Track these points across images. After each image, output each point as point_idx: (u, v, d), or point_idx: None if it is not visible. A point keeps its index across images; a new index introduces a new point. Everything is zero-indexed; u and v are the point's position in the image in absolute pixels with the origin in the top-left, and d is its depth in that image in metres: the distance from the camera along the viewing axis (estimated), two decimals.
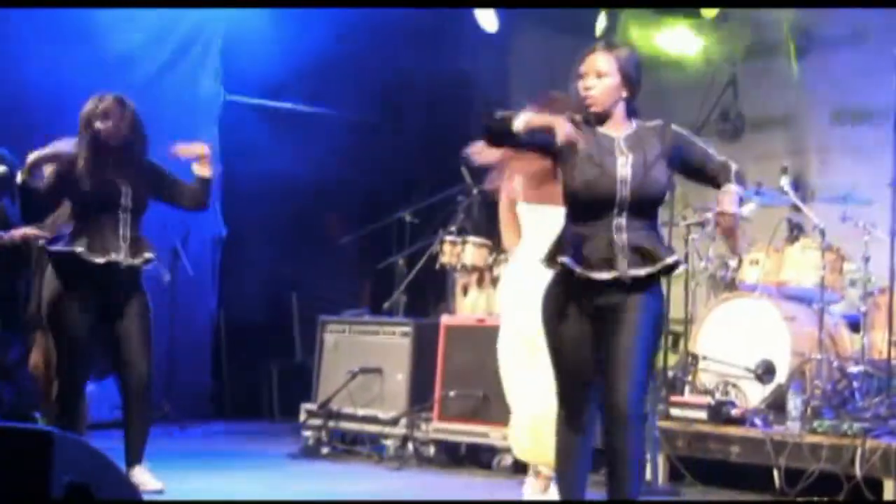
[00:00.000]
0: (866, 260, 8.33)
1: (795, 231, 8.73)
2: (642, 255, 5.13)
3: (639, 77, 5.28)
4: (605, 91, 5.18)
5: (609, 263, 5.10)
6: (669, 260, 5.18)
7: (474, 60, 11.31)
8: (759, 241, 8.75)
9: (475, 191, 9.40)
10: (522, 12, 11.28)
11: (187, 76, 10.61)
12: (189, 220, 10.18)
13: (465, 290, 9.19)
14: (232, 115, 11.01)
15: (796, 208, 8.76)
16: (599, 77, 5.18)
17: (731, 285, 8.78)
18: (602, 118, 5.22)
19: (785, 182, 8.60)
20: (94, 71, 8.90)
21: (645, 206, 5.17)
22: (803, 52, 10.29)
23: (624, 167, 5.12)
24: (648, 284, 5.20)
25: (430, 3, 10.24)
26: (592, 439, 5.39)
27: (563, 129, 5.02)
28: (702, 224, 8.78)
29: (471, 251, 9.11)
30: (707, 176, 5.31)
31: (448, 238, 9.22)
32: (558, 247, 5.20)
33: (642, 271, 5.14)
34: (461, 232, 9.27)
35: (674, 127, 5.32)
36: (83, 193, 6.96)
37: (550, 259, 5.20)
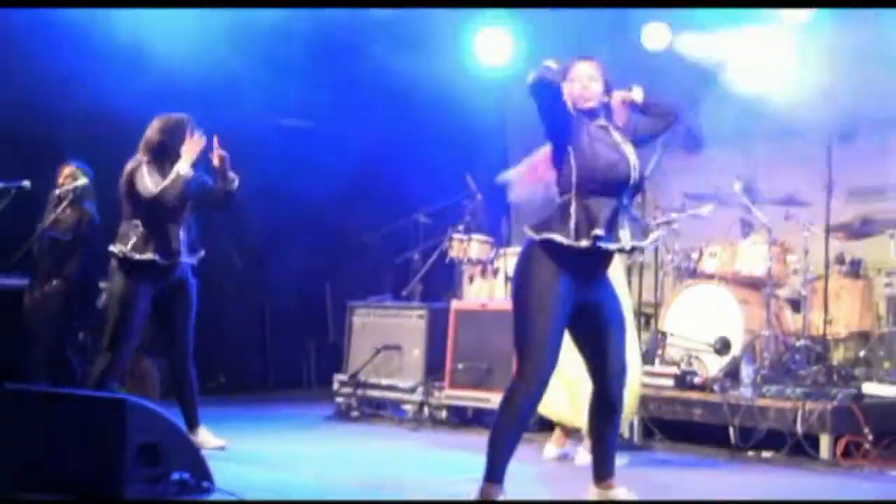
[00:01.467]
0: (806, 252, 8.34)
1: (747, 228, 8.72)
2: (640, 230, 5.11)
3: (612, 84, 5.26)
4: (598, 92, 5.16)
5: (615, 236, 4.98)
6: (657, 232, 5.18)
7: (476, 94, 11.22)
8: (716, 237, 8.74)
9: (478, 196, 9.43)
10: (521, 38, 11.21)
11: (237, 103, 10.56)
12: (238, 222, 10.21)
13: (471, 280, 9.17)
14: (275, 135, 11.02)
15: (748, 209, 8.75)
16: (592, 80, 5.16)
17: (693, 274, 8.72)
18: (593, 114, 5.17)
19: (738, 187, 8.62)
20: (153, 96, 8.84)
21: (636, 191, 5.19)
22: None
23: (632, 155, 5.09)
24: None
25: (435, 4, 9.99)
26: None
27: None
28: (668, 223, 8.78)
29: (475, 246, 9.10)
30: None
31: (456, 236, 9.20)
32: (587, 222, 4.92)
33: (644, 242, 5.12)
34: (467, 230, 9.25)
35: None
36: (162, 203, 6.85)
37: (586, 235, 4.91)
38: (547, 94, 4.95)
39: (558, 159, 5.08)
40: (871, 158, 9.38)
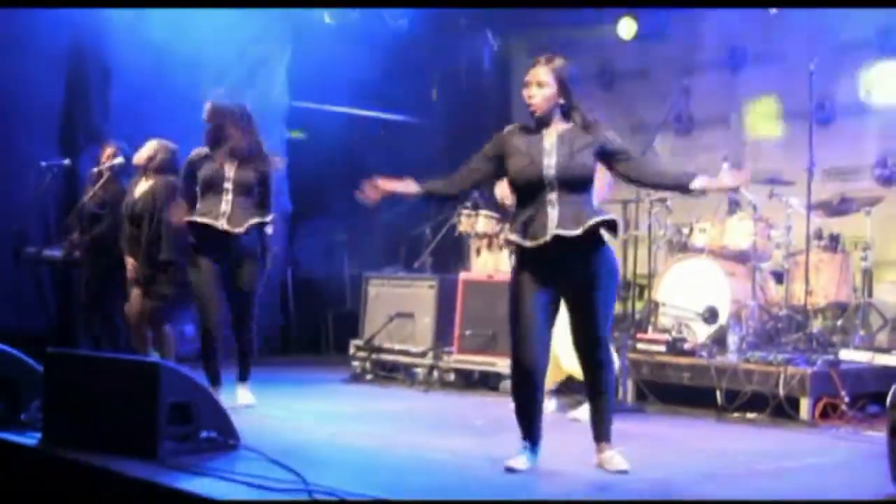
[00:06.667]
0: (788, 228, 8.35)
1: (734, 206, 8.69)
2: (572, 220, 4.96)
3: (573, 86, 5.08)
4: (541, 98, 5.05)
5: (544, 231, 4.96)
6: (593, 220, 4.96)
7: (485, 79, 11.21)
8: (705, 214, 8.72)
9: None
10: (520, 38, 11.20)
11: (262, 87, 10.54)
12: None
13: (479, 252, 9.12)
14: (296, 116, 11.03)
15: (734, 188, 8.73)
16: (540, 87, 5.04)
17: (684, 248, 8.72)
18: (543, 121, 5.07)
19: (725, 168, 8.58)
20: (191, 83, 8.81)
21: (574, 185, 5.00)
22: (738, 67, 10.26)
23: (549, 156, 4.99)
24: (594, 247, 5.03)
25: (440, 4, 9.91)
26: None
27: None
28: (662, 200, 8.76)
29: (482, 221, 9.04)
30: (628, 162, 5.10)
31: (464, 211, 9.15)
32: (509, 227, 5.15)
33: (572, 232, 4.94)
34: (475, 206, 9.20)
35: (605, 131, 5.10)
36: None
37: (506, 239, 5.19)
38: None
39: None
40: (849, 141, 9.34)
